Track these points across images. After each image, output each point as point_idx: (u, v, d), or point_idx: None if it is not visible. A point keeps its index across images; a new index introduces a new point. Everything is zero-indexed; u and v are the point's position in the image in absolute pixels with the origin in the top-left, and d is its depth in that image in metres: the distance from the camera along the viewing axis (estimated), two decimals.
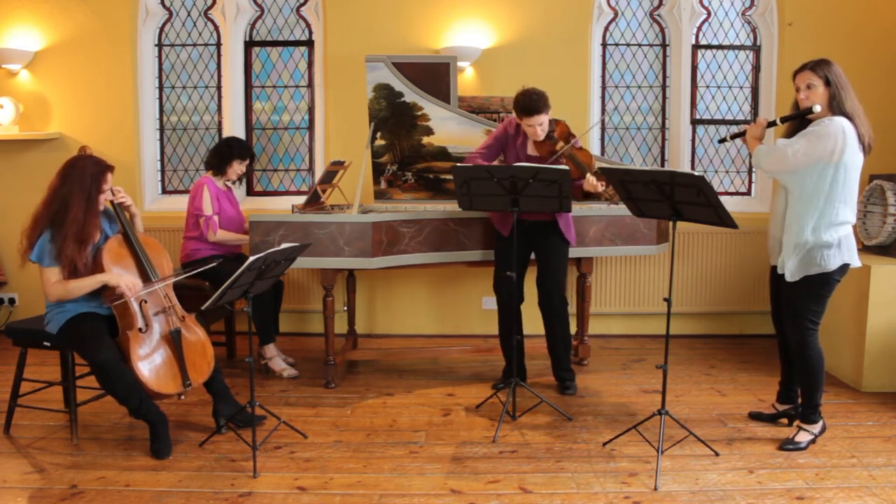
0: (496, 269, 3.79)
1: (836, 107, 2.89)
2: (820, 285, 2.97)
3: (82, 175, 2.98)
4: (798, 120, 3.01)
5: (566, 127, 3.59)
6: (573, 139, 3.55)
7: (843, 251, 2.93)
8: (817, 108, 2.89)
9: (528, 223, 3.62)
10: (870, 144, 2.92)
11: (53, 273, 2.96)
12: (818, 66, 2.91)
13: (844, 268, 2.96)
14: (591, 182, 3.46)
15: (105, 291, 3.04)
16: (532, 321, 4.03)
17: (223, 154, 4.15)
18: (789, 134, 3.07)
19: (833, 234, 2.90)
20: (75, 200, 2.94)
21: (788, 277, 2.99)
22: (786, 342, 3.26)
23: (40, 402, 3.47)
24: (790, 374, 3.34)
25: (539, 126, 3.49)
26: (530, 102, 3.42)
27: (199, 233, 4.08)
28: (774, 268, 3.20)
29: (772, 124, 3.09)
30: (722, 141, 3.26)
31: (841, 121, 2.85)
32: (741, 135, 3.17)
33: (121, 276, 3.02)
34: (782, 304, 3.14)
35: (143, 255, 3.14)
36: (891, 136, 4.79)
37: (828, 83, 2.89)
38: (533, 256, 3.77)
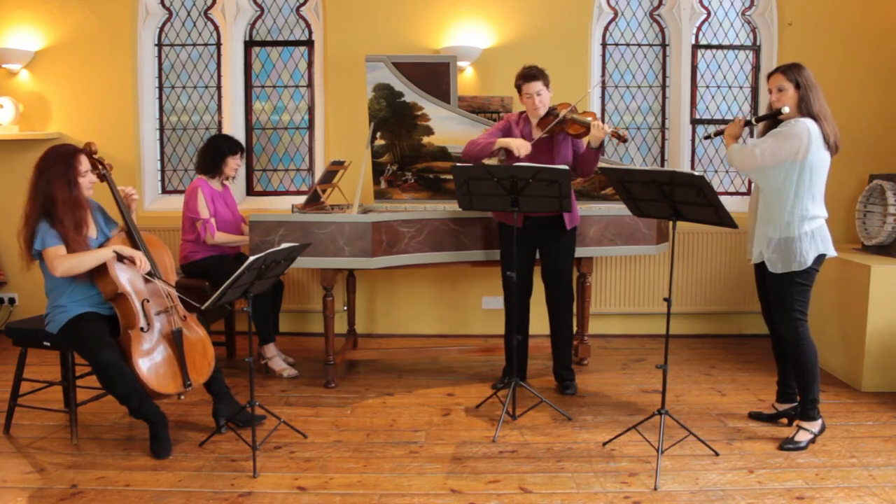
0: (503, 268, 3.78)
1: (804, 108, 3.02)
2: (800, 276, 3.06)
3: (55, 162, 2.98)
4: (772, 120, 3.14)
5: (567, 104, 3.61)
6: (572, 105, 3.57)
7: (818, 243, 3.04)
8: (786, 110, 3.04)
9: (533, 220, 3.63)
10: (836, 144, 3.04)
11: (59, 248, 2.94)
12: (789, 69, 3.05)
13: (821, 258, 3.08)
14: (599, 126, 3.46)
15: (105, 287, 3.03)
16: (533, 321, 4.03)
17: (215, 153, 4.13)
18: (763, 134, 3.18)
19: (806, 227, 3.02)
20: (57, 187, 2.94)
21: (770, 268, 3.09)
22: (779, 339, 3.29)
23: (40, 402, 3.47)
24: (786, 372, 3.36)
25: (537, 95, 3.56)
26: (529, 69, 3.59)
27: (195, 235, 4.07)
28: (758, 266, 3.25)
29: (748, 124, 3.22)
30: (707, 137, 3.37)
31: (806, 122, 2.97)
32: (722, 132, 3.28)
33: (132, 249, 3.03)
34: (770, 301, 3.22)
35: (145, 253, 3.13)
36: (891, 136, 4.80)
37: (798, 86, 3.02)
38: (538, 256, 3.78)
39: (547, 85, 3.60)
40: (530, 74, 3.57)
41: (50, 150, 3.06)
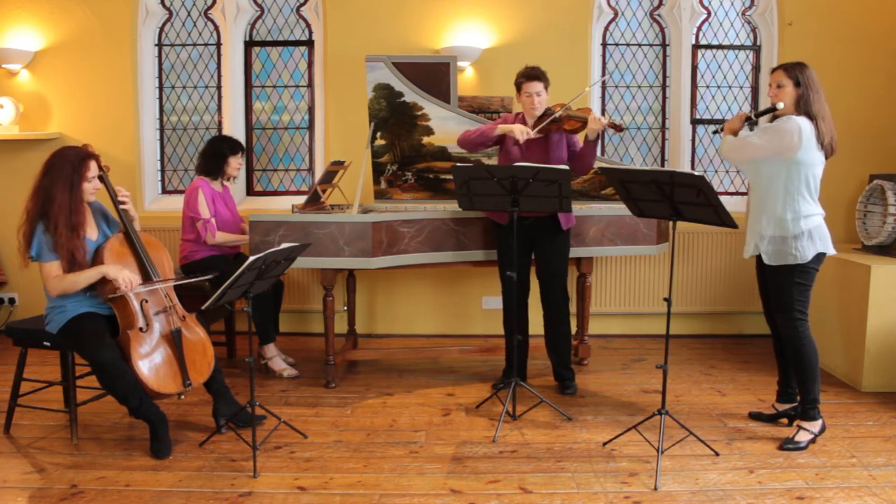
0: (501, 268, 3.78)
1: (802, 107, 3.03)
2: (799, 275, 3.07)
3: (63, 164, 2.99)
4: (771, 115, 3.16)
5: (562, 104, 3.63)
6: (567, 105, 3.59)
7: (816, 241, 3.05)
8: (780, 106, 3.06)
9: (528, 220, 3.63)
10: (831, 146, 3.06)
11: (54, 267, 2.96)
12: (791, 67, 3.08)
13: (820, 256, 3.08)
14: (595, 118, 3.48)
15: (103, 287, 3.03)
16: (532, 321, 4.03)
17: (216, 154, 4.13)
18: None
19: (802, 225, 3.03)
20: (59, 189, 2.95)
21: (766, 259, 3.11)
22: (780, 339, 3.29)
23: (40, 402, 3.48)
24: (787, 372, 3.36)
25: (536, 95, 3.57)
26: (532, 69, 3.61)
27: (195, 235, 4.08)
28: (759, 265, 3.27)
29: (748, 118, 3.23)
30: (715, 133, 3.35)
31: (799, 120, 2.98)
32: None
33: (120, 269, 3.01)
34: (770, 300, 3.23)
35: (143, 254, 3.14)
36: (891, 136, 4.80)
37: (797, 84, 3.03)
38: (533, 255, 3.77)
39: (546, 87, 3.61)
40: (533, 74, 3.58)
41: (61, 151, 3.06)
